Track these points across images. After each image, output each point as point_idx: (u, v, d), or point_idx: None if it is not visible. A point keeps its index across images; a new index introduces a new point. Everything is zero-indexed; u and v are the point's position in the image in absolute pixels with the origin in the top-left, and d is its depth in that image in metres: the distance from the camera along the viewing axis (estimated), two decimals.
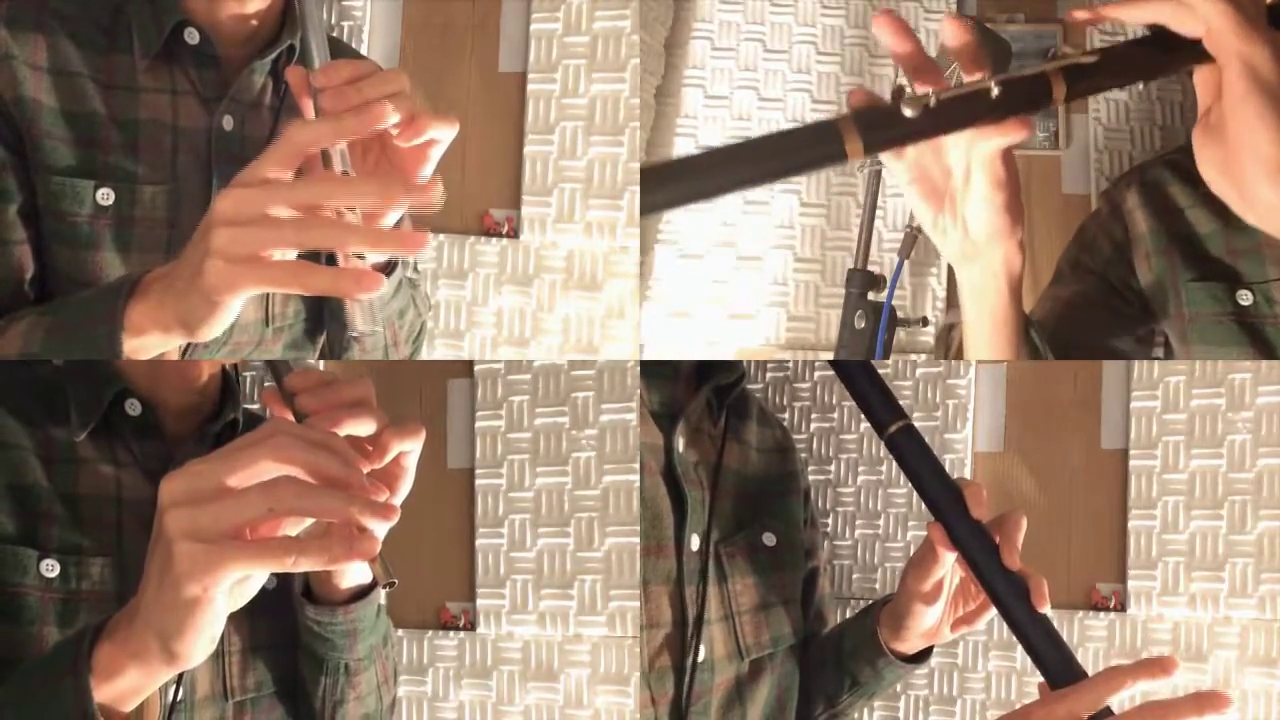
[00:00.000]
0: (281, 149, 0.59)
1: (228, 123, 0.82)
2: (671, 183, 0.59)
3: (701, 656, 0.78)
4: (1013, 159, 0.68)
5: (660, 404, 0.82)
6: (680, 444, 0.81)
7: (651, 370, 0.83)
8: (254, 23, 0.83)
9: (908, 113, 0.61)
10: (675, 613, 0.77)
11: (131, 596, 0.74)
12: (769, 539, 0.87)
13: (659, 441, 0.80)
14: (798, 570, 0.90)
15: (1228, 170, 0.66)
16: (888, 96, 0.62)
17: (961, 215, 0.70)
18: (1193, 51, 0.65)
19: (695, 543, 0.80)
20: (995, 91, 0.62)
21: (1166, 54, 0.66)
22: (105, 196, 0.77)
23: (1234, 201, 0.67)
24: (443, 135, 0.67)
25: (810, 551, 0.93)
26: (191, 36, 0.80)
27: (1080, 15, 0.68)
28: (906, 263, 1.12)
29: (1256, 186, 0.64)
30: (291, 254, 0.60)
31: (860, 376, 0.77)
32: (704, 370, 0.86)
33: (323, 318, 0.93)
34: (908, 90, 0.63)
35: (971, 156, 0.67)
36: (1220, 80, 0.65)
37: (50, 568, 0.71)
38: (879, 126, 0.61)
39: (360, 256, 0.64)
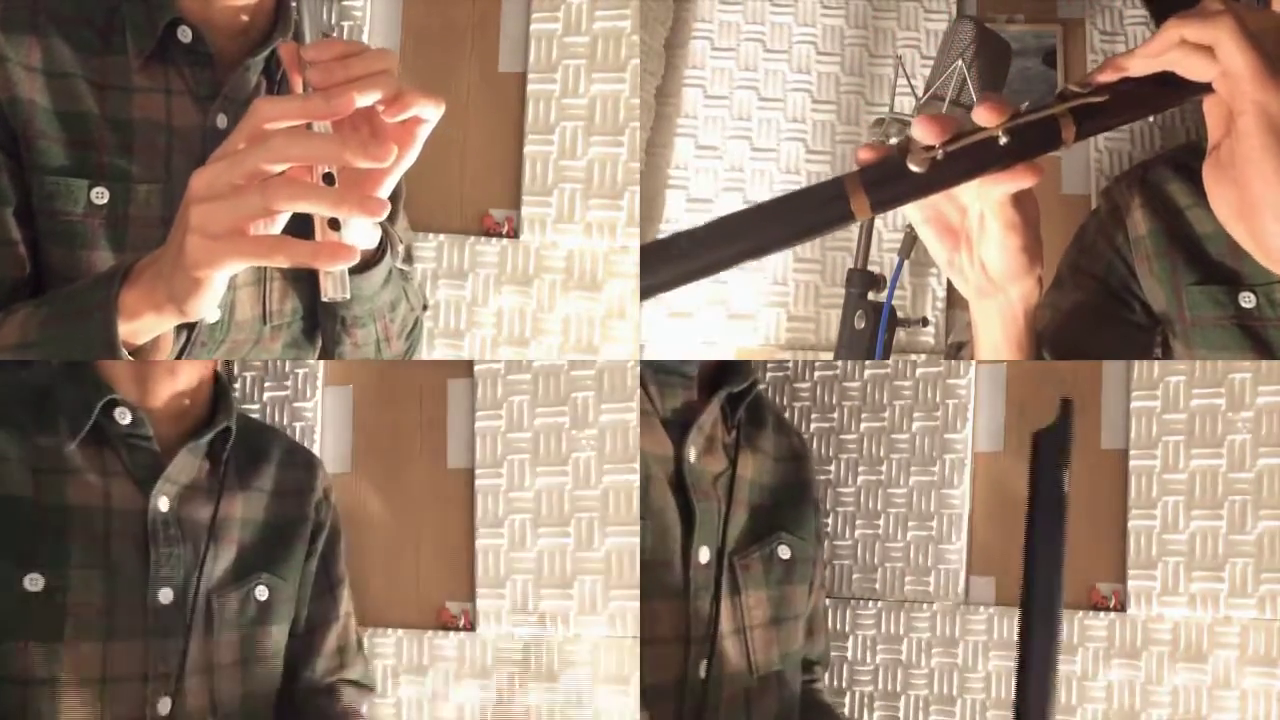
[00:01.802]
0: (248, 123, 0.61)
1: (221, 121, 0.82)
2: (673, 261, 0.58)
3: (708, 672, 0.76)
4: (1031, 198, 0.66)
5: (673, 411, 0.81)
6: (692, 454, 0.79)
7: (663, 378, 0.81)
8: (245, 18, 0.83)
9: (914, 168, 0.60)
10: (680, 627, 0.76)
11: (118, 606, 0.75)
12: (784, 552, 0.85)
13: (668, 451, 0.78)
14: (806, 583, 0.89)
15: (1243, 215, 0.65)
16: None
17: (978, 255, 0.69)
18: (1202, 85, 0.64)
19: (705, 555, 0.78)
20: (1004, 139, 0.61)
21: (1175, 88, 0.64)
22: (100, 196, 0.78)
23: (1248, 245, 0.66)
24: (428, 113, 0.67)
25: (816, 561, 0.92)
26: (185, 35, 0.80)
27: (1100, 77, 0.65)
28: (906, 263, 1.12)
29: (1275, 239, 0.63)
30: (277, 228, 0.61)
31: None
32: (717, 377, 0.84)
33: (319, 315, 0.94)
34: (914, 142, 0.62)
35: (983, 201, 0.66)
36: (1230, 116, 0.64)
37: (34, 581, 0.71)
38: (886, 183, 0.60)
39: (335, 227, 0.65)
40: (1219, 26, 0.61)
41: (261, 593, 0.83)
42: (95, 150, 0.78)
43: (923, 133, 0.62)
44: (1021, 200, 0.66)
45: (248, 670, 0.82)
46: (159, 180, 0.80)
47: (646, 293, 0.58)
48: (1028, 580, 0.70)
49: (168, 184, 0.80)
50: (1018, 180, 0.63)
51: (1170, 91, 0.65)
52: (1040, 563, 0.70)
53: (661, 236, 0.59)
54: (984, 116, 0.62)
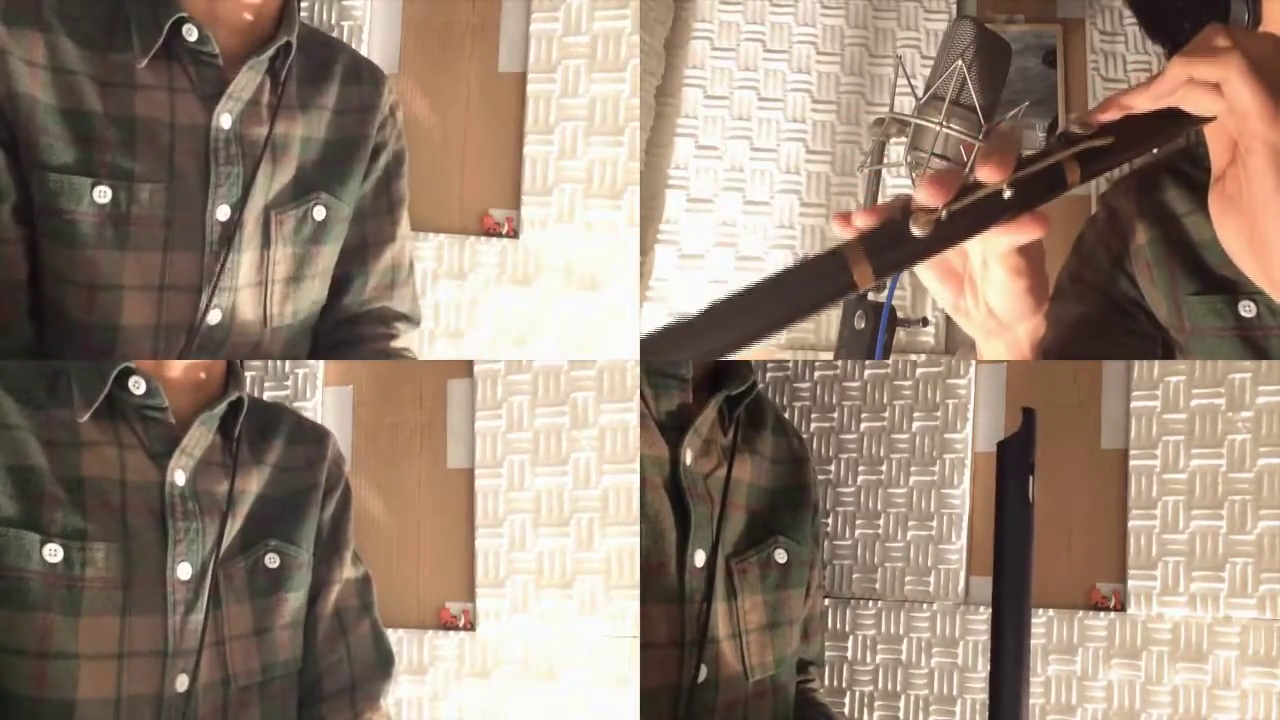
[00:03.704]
0: None
1: (225, 120, 0.82)
2: (675, 348, 0.56)
3: (704, 676, 0.76)
4: (1036, 242, 0.65)
5: (667, 414, 0.79)
6: (688, 457, 0.78)
7: (659, 380, 0.80)
8: (249, 17, 0.83)
9: (917, 232, 0.58)
10: (675, 632, 0.75)
11: (136, 581, 0.74)
12: (781, 556, 0.84)
13: (664, 454, 0.77)
14: (802, 588, 0.88)
15: (1253, 250, 0.64)
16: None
17: (983, 298, 0.68)
18: (1203, 116, 0.64)
19: (700, 559, 0.77)
20: (1008, 193, 0.59)
21: (1178, 121, 0.64)
22: (102, 194, 0.78)
23: (1259, 279, 0.65)
24: None
25: (812, 565, 0.92)
26: (190, 33, 0.81)
27: (1103, 117, 0.64)
28: None
29: None
30: None
31: None
32: (714, 379, 0.83)
33: (321, 316, 0.94)
34: (916, 205, 0.60)
35: (987, 251, 0.65)
36: (1234, 145, 0.63)
37: (53, 553, 0.71)
38: (888, 249, 0.58)
39: None
40: (1227, 65, 0.60)
41: (272, 560, 0.83)
42: (98, 148, 0.78)
43: (927, 196, 0.60)
44: (1026, 246, 0.65)
45: (263, 641, 0.82)
46: (162, 179, 0.80)
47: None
48: (997, 584, 0.70)
49: (171, 183, 0.80)
50: (1024, 233, 0.62)
51: (1173, 125, 0.64)
52: (1009, 567, 0.70)
53: (657, 328, 0.58)
54: (988, 175, 0.60)
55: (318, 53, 0.92)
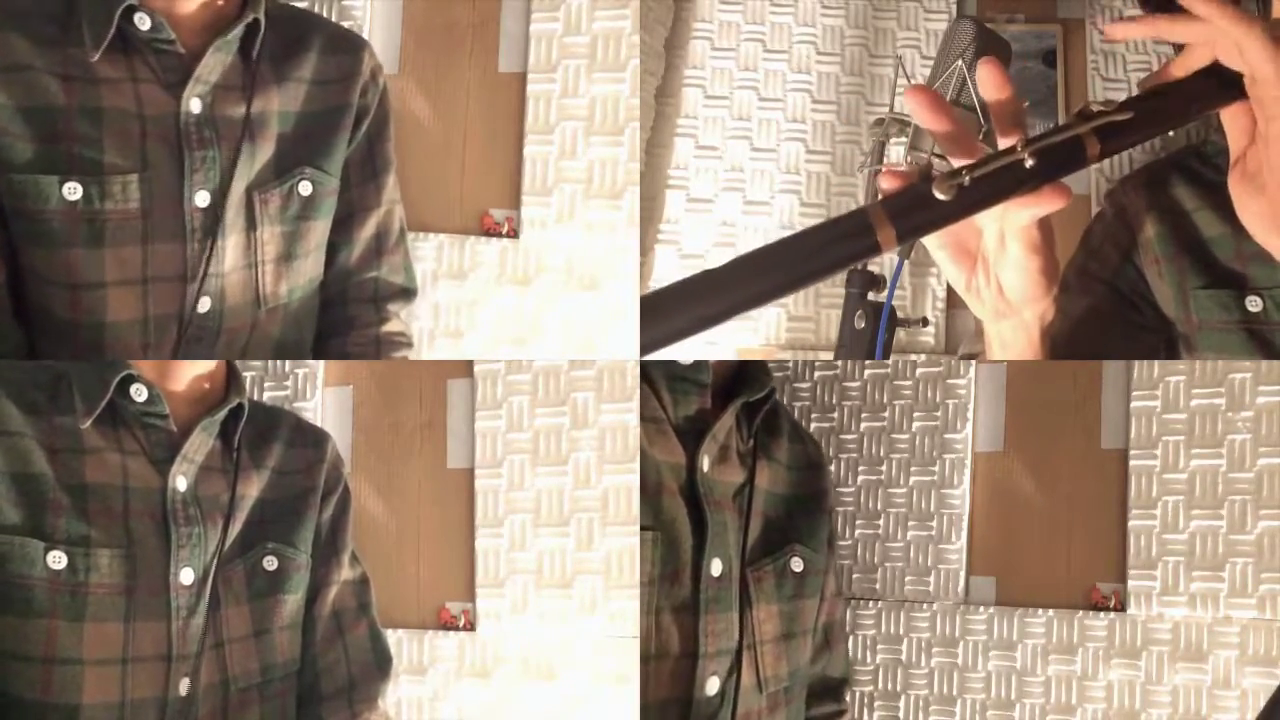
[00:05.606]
0: None
1: (195, 105, 0.81)
2: (688, 306, 0.54)
3: (716, 689, 0.74)
4: (1048, 220, 0.65)
5: (685, 420, 0.77)
6: (706, 463, 0.76)
7: (677, 385, 0.78)
8: None
9: (940, 195, 0.58)
10: (687, 643, 0.73)
11: (140, 586, 0.75)
12: (797, 564, 0.83)
13: (681, 460, 0.75)
14: (817, 597, 0.86)
15: (1275, 225, 0.64)
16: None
17: (995, 277, 0.68)
18: (1223, 97, 0.64)
19: (717, 568, 0.75)
20: (1029, 162, 0.60)
21: (1196, 101, 0.64)
22: (72, 191, 0.76)
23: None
24: None
25: (826, 571, 0.90)
26: (143, 22, 0.78)
27: (1119, 30, 0.66)
28: (906, 263, 1.12)
29: None
30: None
31: None
32: (732, 385, 0.82)
33: (319, 296, 0.94)
34: (936, 167, 0.60)
35: (1006, 224, 0.65)
36: (1254, 127, 0.63)
37: (57, 559, 0.71)
38: (911, 212, 0.59)
39: None
40: (1250, 31, 0.61)
41: (270, 562, 0.83)
42: (64, 143, 0.76)
43: (914, 106, 0.61)
44: (1041, 223, 0.65)
45: (262, 642, 0.82)
46: (134, 171, 0.78)
47: (658, 344, 0.54)
48: None
49: (144, 174, 0.79)
50: (1047, 203, 0.62)
51: (1191, 103, 0.64)
52: None
53: (681, 279, 0.57)
54: (986, 78, 0.61)
55: (292, 27, 0.90)
